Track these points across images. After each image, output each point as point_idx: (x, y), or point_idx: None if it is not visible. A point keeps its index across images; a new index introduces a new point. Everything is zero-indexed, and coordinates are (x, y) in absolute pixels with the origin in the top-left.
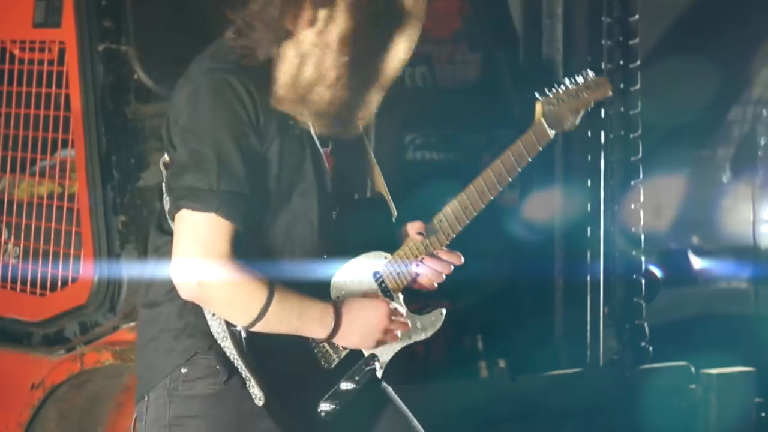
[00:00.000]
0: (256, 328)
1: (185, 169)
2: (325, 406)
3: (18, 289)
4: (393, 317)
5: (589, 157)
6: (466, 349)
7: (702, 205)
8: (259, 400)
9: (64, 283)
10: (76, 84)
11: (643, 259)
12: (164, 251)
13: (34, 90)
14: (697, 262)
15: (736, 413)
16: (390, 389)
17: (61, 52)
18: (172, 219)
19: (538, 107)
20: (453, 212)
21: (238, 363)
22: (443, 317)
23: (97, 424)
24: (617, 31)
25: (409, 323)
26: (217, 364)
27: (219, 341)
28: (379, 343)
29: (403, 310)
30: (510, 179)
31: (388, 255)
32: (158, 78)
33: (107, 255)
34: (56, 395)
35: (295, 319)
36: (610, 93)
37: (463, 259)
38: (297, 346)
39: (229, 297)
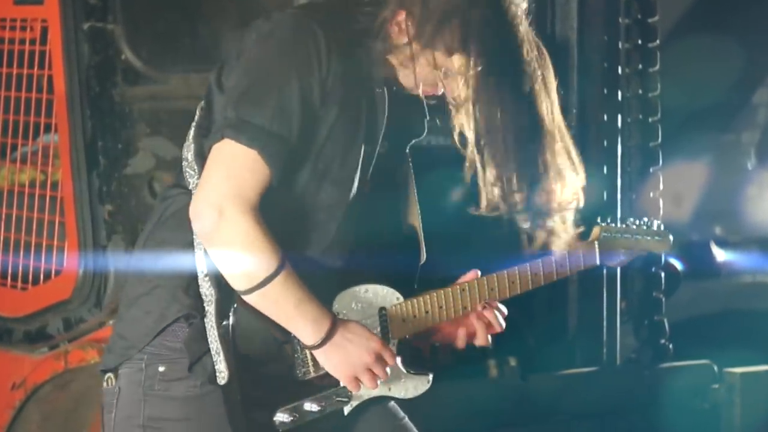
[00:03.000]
0: (251, 298)
1: (241, 99)
2: (282, 417)
3: None
4: (380, 359)
5: (605, 143)
6: (475, 346)
7: (725, 194)
8: (222, 378)
9: (47, 276)
10: (59, 65)
11: None
12: (172, 201)
13: (15, 71)
14: (720, 254)
15: (761, 414)
16: None
17: (44, 31)
18: (209, 150)
19: (596, 230)
20: (498, 281)
21: (212, 334)
22: (428, 385)
23: (82, 426)
24: (635, 9)
25: (389, 371)
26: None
27: (205, 304)
28: (354, 379)
29: (393, 359)
30: (543, 284)
31: (401, 297)
32: (147, 58)
33: (93, 246)
34: (38, 396)
35: (292, 306)
36: (669, 249)
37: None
38: (279, 342)
39: (243, 247)
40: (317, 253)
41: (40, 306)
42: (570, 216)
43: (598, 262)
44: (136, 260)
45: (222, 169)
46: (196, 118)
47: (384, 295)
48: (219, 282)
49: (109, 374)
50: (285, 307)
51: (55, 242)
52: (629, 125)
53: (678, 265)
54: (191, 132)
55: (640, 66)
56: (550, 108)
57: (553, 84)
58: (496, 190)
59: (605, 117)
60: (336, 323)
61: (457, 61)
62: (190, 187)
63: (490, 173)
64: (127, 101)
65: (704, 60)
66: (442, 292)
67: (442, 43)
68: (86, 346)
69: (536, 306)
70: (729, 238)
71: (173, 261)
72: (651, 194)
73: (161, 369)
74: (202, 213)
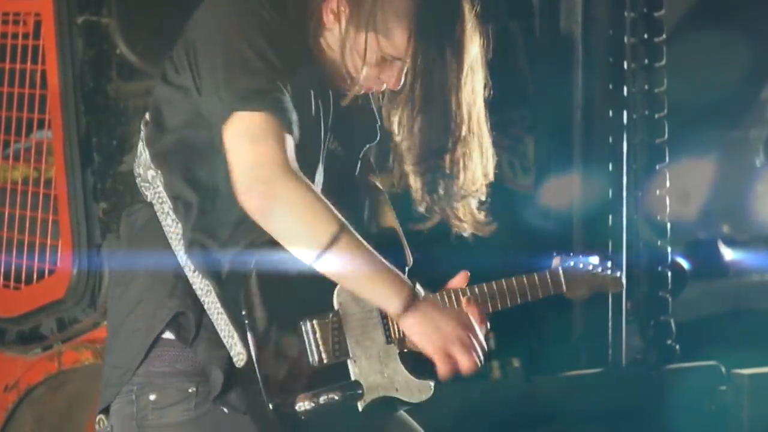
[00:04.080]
0: (325, 263)
1: (225, 76)
2: (303, 405)
3: None
4: (474, 334)
5: (610, 139)
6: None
7: (733, 191)
8: (242, 360)
9: (40, 275)
10: (53, 59)
11: (669, 249)
12: (137, 216)
13: (7, 66)
14: (727, 253)
15: None
16: None
17: (37, 25)
18: (219, 135)
19: (556, 260)
20: (479, 294)
21: (221, 319)
22: (431, 392)
23: (76, 428)
24: (641, 2)
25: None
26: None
27: (201, 298)
28: (446, 355)
29: (483, 334)
30: (519, 302)
31: None
32: (142, 53)
33: (87, 245)
34: (32, 397)
35: (365, 268)
36: (621, 290)
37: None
38: (291, 328)
39: (301, 209)
40: None
41: (34, 306)
42: (473, 203)
43: (564, 288)
44: (116, 280)
45: (246, 141)
46: (143, 134)
47: None
48: (216, 273)
49: (101, 415)
50: (358, 269)
51: (49, 241)
52: (635, 121)
53: (685, 264)
54: (139, 147)
55: (646, 61)
56: (472, 90)
57: (480, 64)
58: (418, 180)
59: (610, 113)
60: (415, 290)
61: (396, 41)
62: (149, 199)
63: (410, 163)
64: (122, 97)
65: (712, 55)
66: (434, 295)
67: (377, 22)
68: (80, 347)
69: (540, 306)
70: (737, 237)
71: (154, 270)
72: (657, 192)
73: (152, 397)
74: (249, 192)
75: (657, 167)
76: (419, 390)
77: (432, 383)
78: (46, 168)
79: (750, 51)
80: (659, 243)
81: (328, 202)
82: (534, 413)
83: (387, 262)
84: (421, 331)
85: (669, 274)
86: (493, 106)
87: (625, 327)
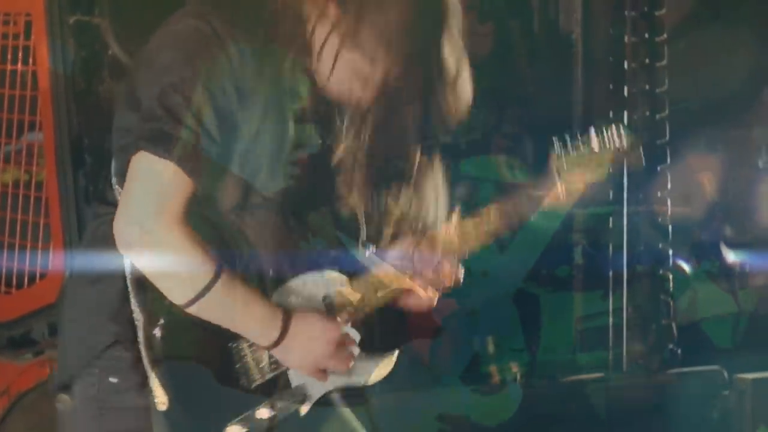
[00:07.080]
0: (192, 310)
1: (153, 114)
2: (233, 430)
3: None
4: (341, 345)
5: None
6: (475, 352)
7: (736, 192)
8: (162, 404)
9: (32, 279)
10: (44, 60)
11: (670, 252)
12: (103, 221)
13: None
14: (730, 256)
15: None
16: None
17: (28, 25)
18: (127, 164)
19: (551, 161)
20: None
21: (145, 357)
22: (393, 363)
23: None
24: (642, 1)
25: (356, 352)
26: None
27: (138, 329)
28: (320, 371)
29: (353, 343)
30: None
31: (344, 279)
32: (134, 53)
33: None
34: (23, 404)
35: (238, 311)
36: (642, 162)
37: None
38: (216, 356)
39: (172, 261)
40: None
41: (25, 310)
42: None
43: (563, 197)
44: (70, 283)
45: (141, 184)
46: (114, 140)
47: (327, 280)
48: (144, 305)
49: (63, 395)
50: (230, 313)
51: (40, 244)
52: (636, 121)
53: (686, 266)
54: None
55: (647, 61)
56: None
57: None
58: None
59: (611, 113)
60: (289, 319)
61: (369, 62)
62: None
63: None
64: (114, 98)
65: (714, 54)
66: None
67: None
68: None
69: (539, 309)
70: (740, 239)
71: (102, 286)
72: (658, 193)
73: (114, 380)
74: (124, 232)
75: (658, 168)
76: (378, 369)
77: (394, 355)
78: (37, 170)
79: (752, 49)
80: (660, 245)
81: (206, 253)
82: (533, 419)
83: (262, 299)
84: (294, 358)
85: (671, 277)
86: (492, 105)
87: (626, 331)
